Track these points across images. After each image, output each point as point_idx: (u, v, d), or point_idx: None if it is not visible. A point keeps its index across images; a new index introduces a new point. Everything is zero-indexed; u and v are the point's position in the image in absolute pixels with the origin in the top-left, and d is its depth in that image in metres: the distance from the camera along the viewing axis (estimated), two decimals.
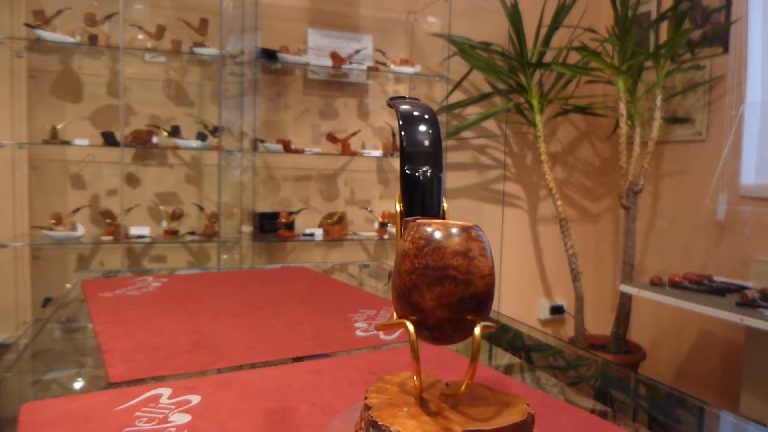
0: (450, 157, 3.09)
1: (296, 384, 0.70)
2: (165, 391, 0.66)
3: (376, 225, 2.87)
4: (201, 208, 2.64)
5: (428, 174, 0.50)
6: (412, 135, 0.51)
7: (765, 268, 2.32)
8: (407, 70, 2.83)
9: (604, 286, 3.39)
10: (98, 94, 2.52)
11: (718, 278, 2.40)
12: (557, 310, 3.37)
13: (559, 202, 2.86)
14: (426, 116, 0.52)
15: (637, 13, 2.77)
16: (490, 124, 3.16)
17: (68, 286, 1.31)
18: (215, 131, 2.58)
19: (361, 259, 2.92)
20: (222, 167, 2.61)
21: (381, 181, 3.01)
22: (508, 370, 0.84)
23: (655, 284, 2.33)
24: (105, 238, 2.44)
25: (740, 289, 2.15)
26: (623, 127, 2.73)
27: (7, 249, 2.37)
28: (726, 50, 2.64)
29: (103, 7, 2.43)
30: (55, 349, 0.91)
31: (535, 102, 2.86)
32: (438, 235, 0.44)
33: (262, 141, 2.67)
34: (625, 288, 2.46)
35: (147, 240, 2.50)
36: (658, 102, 2.67)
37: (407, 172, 0.49)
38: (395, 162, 2.97)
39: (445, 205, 0.51)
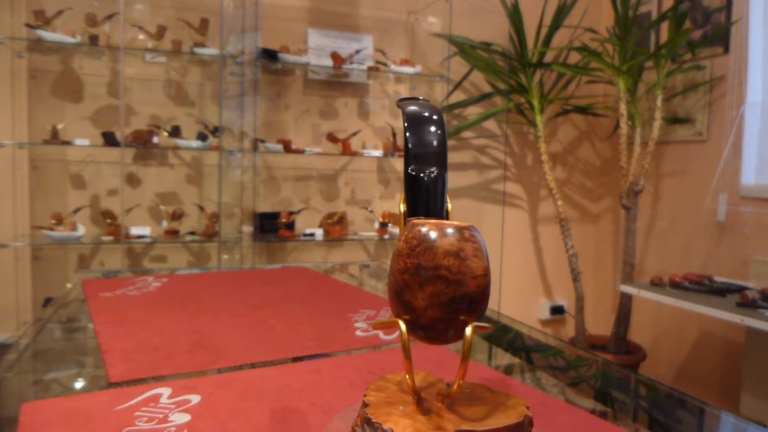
0: (450, 157, 3.09)
1: (296, 384, 0.70)
2: (165, 391, 0.66)
3: (377, 225, 2.87)
4: (201, 208, 2.65)
5: (432, 175, 0.49)
6: (417, 136, 0.50)
7: (765, 269, 2.32)
8: (407, 70, 2.84)
9: (605, 287, 3.39)
10: (99, 95, 2.53)
11: (718, 278, 2.40)
12: (557, 310, 3.37)
13: (559, 202, 2.86)
14: (431, 117, 0.51)
15: (637, 14, 2.78)
16: (491, 124, 3.16)
17: (69, 286, 1.31)
18: (216, 131, 2.59)
19: (361, 259, 2.92)
20: (222, 167, 2.61)
21: (381, 181, 3.01)
22: (508, 370, 0.84)
23: (656, 284, 2.33)
24: (105, 238, 2.45)
25: (740, 289, 2.15)
26: (624, 128, 2.73)
27: (8, 249, 2.37)
28: (726, 50, 2.64)
29: (103, 7, 2.43)
30: (55, 348, 0.91)
31: (535, 102, 2.86)
32: (430, 235, 0.44)
33: (263, 141, 2.67)
34: (626, 288, 2.46)
35: (147, 240, 2.50)
36: (659, 102, 2.67)
37: (411, 172, 0.49)
38: (395, 162, 2.97)
39: (449, 206, 0.51)
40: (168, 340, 0.87)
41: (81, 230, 2.38)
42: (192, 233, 2.59)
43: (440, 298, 0.43)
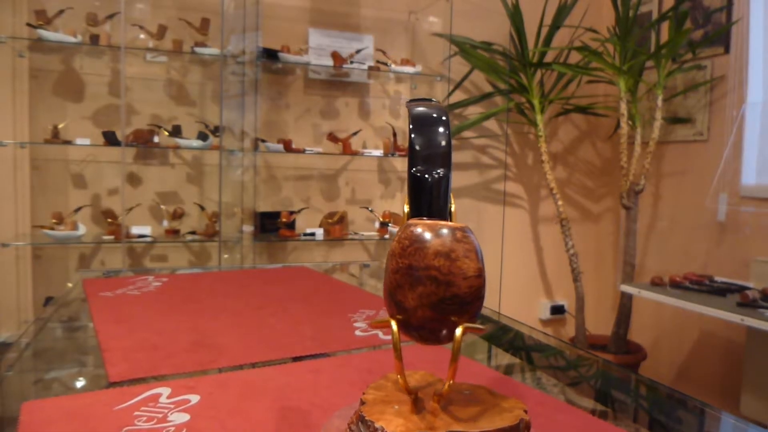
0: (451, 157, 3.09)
1: (296, 383, 0.70)
2: (164, 391, 0.66)
3: (377, 225, 2.87)
4: (202, 208, 2.65)
5: (435, 175, 0.49)
6: (421, 136, 0.50)
7: (766, 269, 2.32)
8: (408, 69, 2.84)
9: (605, 286, 3.39)
10: (100, 94, 2.53)
11: (718, 278, 2.40)
12: (558, 310, 3.37)
13: (560, 202, 2.86)
14: (436, 118, 0.51)
15: (638, 13, 2.77)
16: (491, 124, 3.16)
17: (69, 285, 1.31)
18: (216, 131, 2.59)
19: (361, 259, 2.92)
20: (223, 167, 2.61)
21: (382, 180, 3.01)
22: (508, 370, 0.84)
23: (656, 284, 2.33)
24: (106, 237, 2.45)
25: (741, 289, 2.15)
26: (624, 127, 2.73)
27: (9, 248, 2.37)
28: (727, 50, 2.64)
29: (104, 6, 2.43)
30: (56, 348, 0.91)
31: (536, 102, 2.86)
32: (422, 235, 0.44)
33: (263, 140, 2.67)
34: (626, 288, 2.46)
35: (148, 239, 2.50)
36: (659, 102, 2.67)
37: (414, 173, 0.49)
38: (396, 162, 2.97)
39: (453, 207, 0.51)
40: (168, 339, 0.87)
41: (82, 229, 2.38)
42: (192, 233, 2.59)
43: (430, 299, 0.43)
